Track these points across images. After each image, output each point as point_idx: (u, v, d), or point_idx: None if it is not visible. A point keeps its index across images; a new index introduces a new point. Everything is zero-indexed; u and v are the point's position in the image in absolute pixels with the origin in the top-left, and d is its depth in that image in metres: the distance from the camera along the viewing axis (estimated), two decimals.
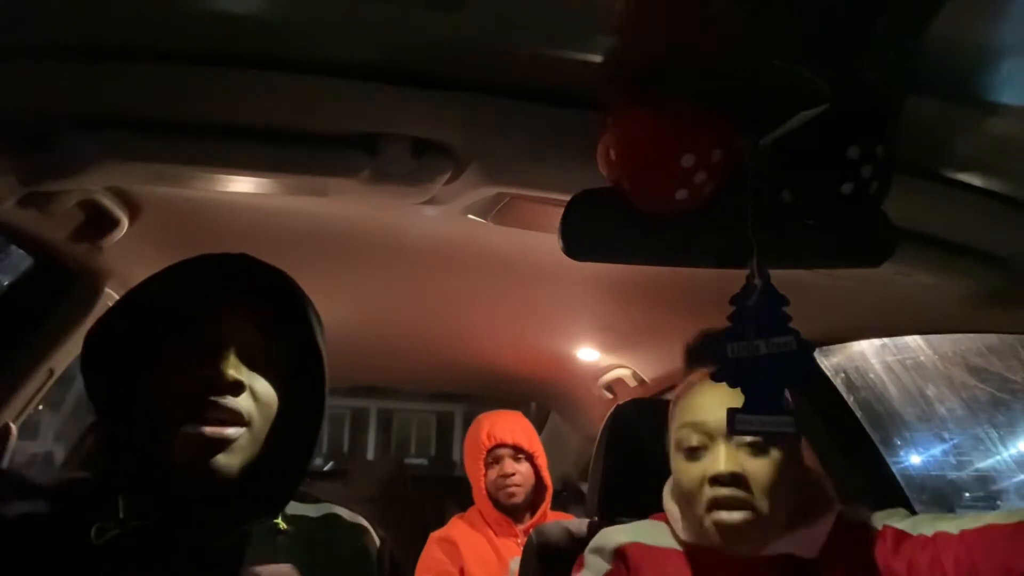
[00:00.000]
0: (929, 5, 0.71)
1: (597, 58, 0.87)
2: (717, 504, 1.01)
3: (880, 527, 1.07)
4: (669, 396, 1.19)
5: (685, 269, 1.08)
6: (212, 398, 0.78)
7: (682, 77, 0.84)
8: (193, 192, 1.22)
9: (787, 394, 0.96)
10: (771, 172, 0.88)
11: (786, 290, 0.90)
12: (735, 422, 0.92)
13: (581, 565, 1.18)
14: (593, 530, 1.32)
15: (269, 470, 0.83)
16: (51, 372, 1.54)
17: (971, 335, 2.20)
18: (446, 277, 1.78)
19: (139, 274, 0.88)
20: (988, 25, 0.77)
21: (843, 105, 0.79)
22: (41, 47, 0.89)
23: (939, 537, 1.02)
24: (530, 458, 2.19)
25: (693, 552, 1.09)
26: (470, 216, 1.23)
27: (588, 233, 0.97)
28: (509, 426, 2.20)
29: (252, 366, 0.83)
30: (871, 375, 2.48)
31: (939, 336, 2.21)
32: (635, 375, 2.45)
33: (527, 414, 2.34)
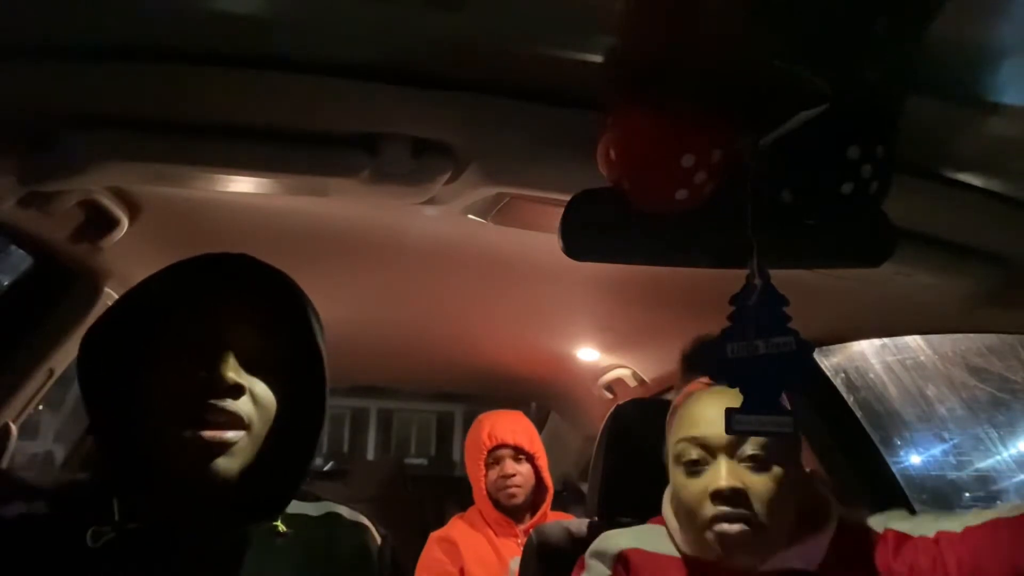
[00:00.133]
0: (929, 5, 0.71)
1: (597, 58, 0.87)
2: (718, 519, 1.00)
3: (881, 530, 1.07)
4: (669, 396, 1.19)
5: (685, 269, 1.08)
6: (211, 401, 0.78)
7: (682, 77, 0.84)
8: (193, 192, 1.22)
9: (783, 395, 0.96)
10: (771, 172, 0.88)
11: (786, 290, 0.90)
12: (733, 422, 0.92)
13: (582, 567, 1.18)
14: (593, 530, 1.32)
15: (269, 472, 0.83)
16: (51, 372, 1.54)
17: (971, 335, 2.20)
18: (446, 277, 1.78)
19: (139, 274, 0.88)
20: (988, 25, 0.77)
21: (843, 105, 0.79)
22: (41, 47, 0.89)
23: (941, 537, 1.01)
24: (531, 459, 2.19)
25: (693, 564, 1.09)
26: (470, 216, 1.23)
27: (588, 233, 0.96)
28: (510, 426, 2.20)
29: (252, 368, 0.82)
30: (871, 375, 2.48)
31: (939, 336, 2.21)
32: (635, 375, 2.45)
33: (527, 414, 2.34)
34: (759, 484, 1.00)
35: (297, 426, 0.85)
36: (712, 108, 0.86)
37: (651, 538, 1.14)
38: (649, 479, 1.17)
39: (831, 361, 1.96)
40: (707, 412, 1.05)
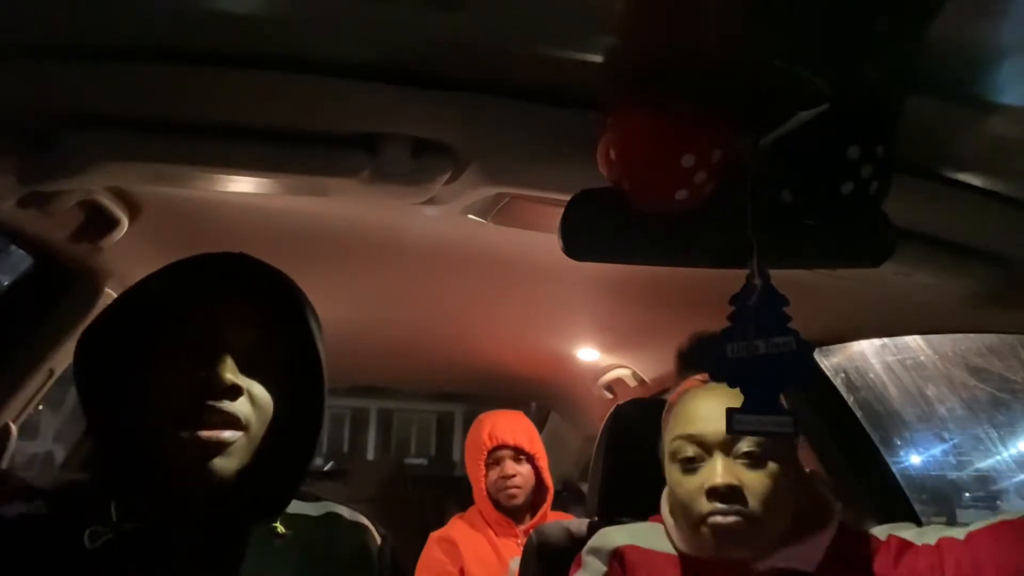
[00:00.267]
0: (929, 5, 0.71)
1: (597, 58, 0.87)
2: (713, 515, 1.00)
3: (885, 537, 1.07)
4: (669, 396, 1.19)
5: (685, 269, 1.08)
6: (209, 402, 0.78)
7: (682, 77, 0.84)
8: (193, 192, 1.22)
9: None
10: (771, 172, 0.88)
11: (786, 290, 0.90)
12: (734, 422, 0.92)
13: (579, 565, 1.18)
14: (593, 530, 1.32)
15: (267, 473, 0.83)
16: (51, 372, 1.54)
17: (971, 335, 2.20)
18: (446, 277, 1.78)
19: (139, 274, 0.88)
20: (988, 25, 0.77)
21: (843, 105, 0.79)
22: (41, 47, 0.89)
23: (943, 543, 1.01)
24: (531, 459, 2.19)
25: (688, 561, 1.09)
26: (470, 216, 1.23)
27: (588, 233, 0.96)
28: (511, 427, 2.20)
29: (250, 368, 0.82)
30: (871, 375, 2.48)
31: (939, 336, 2.21)
32: (635, 375, 2.45)
33: (527, 414, 2.34)
34: (754, 480, 1.00)
35: (296, 427, 0.85)
36: (712, 108, 0.86)
37: (648, 535, 1.15)
38: (649, 479, 1.17)
39: (831, 361, 1.96)
40: (703, 409, 1.06)
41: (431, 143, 1.00)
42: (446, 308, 2.07)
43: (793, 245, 0.95)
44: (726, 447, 1.02)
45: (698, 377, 1.13)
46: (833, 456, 1.71)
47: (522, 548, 1.51)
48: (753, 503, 0.99)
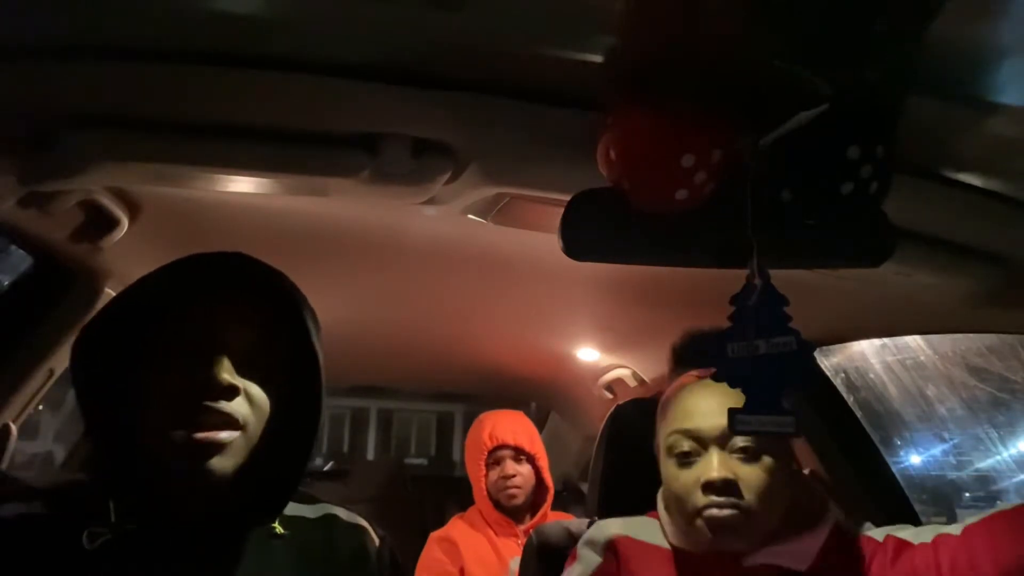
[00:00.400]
0: (929, 5, 0.71)
1: (597, 58, 0.87)
2: (709, 507, 1.01)
3: (882, 538, 1.07)
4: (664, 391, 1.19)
5: (685, 269, 1.08)
6: (206, 403, 0.78)
7: (682, 77, 0.84)
8: (193, 192, 1.22)
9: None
10: (771, 172, 0.88)
11: (786, 290, 0.90)
12: (735, 422, 0.92)
13: (574, 558, 1.18)
14: None
15: (265, 473, 0.83)
16: (51, 372, 1.54)
17: (971, 335, 2.20)
18: (446, 277, 1.78)
19: (139, 274, 0.88)
20: (988, 25, 0.77)
21: (843, 105, 0.79)
22: (41, 47, 0.89)
23: (939, 540, 1.01)
24: (531, 459, 2.19)
25: (681, 556, 1.09)
26: (470, 216, 1.22)
27: (588, 233, 0.96)
28: (511, 427, 2.20)
29: (247, 368, 0.81)
30: (871, 375, 2.48)
31: (939, 336, 2.21)
32: (635, 375, 2.45)
33: (527, 414, 2.34)
34: (750, 474, 1.01)
35: (294, 427, 0.85)
36: (712, 108, 0.86)
37: (643, 529, 1.15)
38: (649, 479, 1.17)
39: (831, 361, 1.96)
40: (699, 405, 1.07)
41: (431, 143, 1.00)
42: (446, 308, 2.07)
43: (793, 245, 0.95)
44: (722, 442, 1.03)
45: (693, 373, 1.13)
46: (833, 456, 1.71)
47: (522, 548, 1.51)
48: (748, 496, 1.00)
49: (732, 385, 0.91)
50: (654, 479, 1.16)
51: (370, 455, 12.56)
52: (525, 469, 2.17)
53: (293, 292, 0.88)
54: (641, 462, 1.18)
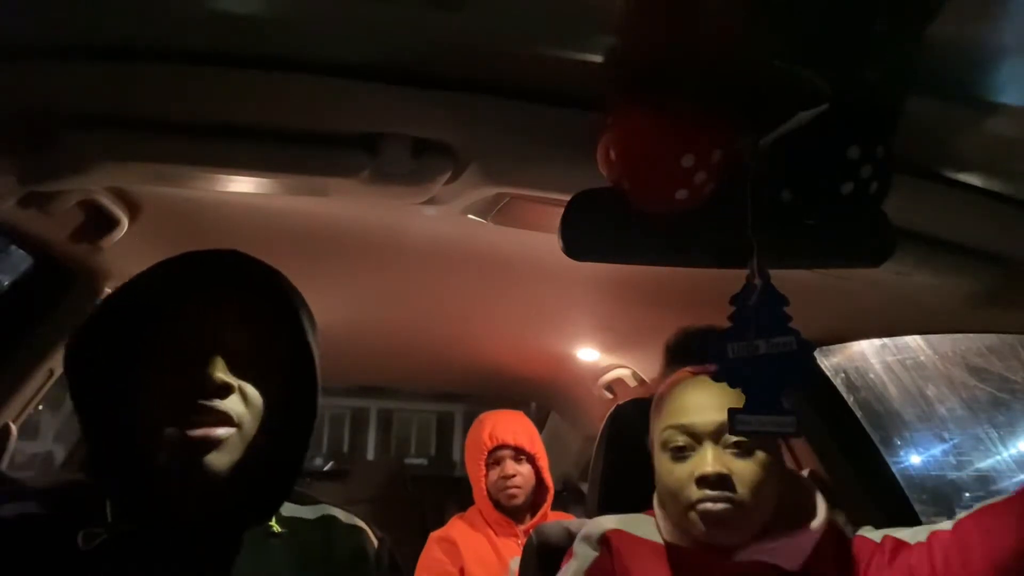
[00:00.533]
0: (929, 5, 0.71)
1: (597, 58, 0.87)
2: (703, 501, 1.02)
3: (879, 539, 1.07)
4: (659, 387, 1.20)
5: (685, 269, 1.08)
6: (200, 401, 0.77)
7: (682, 77, 0.84)
8: (193, 192, 1.22)
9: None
10: (771, 172, 0.88)
11: (786, 290, 0.90)
12: (736, 422, 0.92)
13: (571, 555, 1.18)
14: None
15: (261, 473, 0.82)
16: (51, 372, 1.54)
17: (971, 335, 2.20)
18: (446, 277, 1.78)
19: None
20: (988, 25, 0.77)
21: (843, 105, 0.79)
22: (41, 47, 0.89)
23: (933, 537, 1.02)
24: (531, 459, 2.19)
25: (674, 551, 1.10)
26: (470, 216, 1.23)
27: (588, 233, 0.97)
28: (511, 427, 2.20)
29: (243, 366, 0.81)
30: (871, 375, 2.48)
31: (939, 336, 2.21)
32: (635, 375, 2.45)
33: (527, 414, 2.34)
34: (743, 469, 1.03)
35: (290, 426, 0.85)
36: (712, 108, 0.86)
37: (637, 524, 1.16)
38: (648, 479, 1.17)
39: (831, 361, 1.96)
40: (693, 400, 1.08)
41: (431, 143, 1.00)
42: (446, 308, 2.07)
43: (793, 245, 0.96)
44: (716, 436, 1.04)
45: (688, 369, 1.14)
46: (833, 456, 1.71)
47: (522, 548, 1.51)
48: (742, 490, 1.01)
49: (732, 385, 0.91)
50: (654, 479, 1.16)
51: (370, 455, 12.56)
52: (525, 469, 2.17)
53: (289, 290, 0.88)
54: (641, 462, 1.18)
